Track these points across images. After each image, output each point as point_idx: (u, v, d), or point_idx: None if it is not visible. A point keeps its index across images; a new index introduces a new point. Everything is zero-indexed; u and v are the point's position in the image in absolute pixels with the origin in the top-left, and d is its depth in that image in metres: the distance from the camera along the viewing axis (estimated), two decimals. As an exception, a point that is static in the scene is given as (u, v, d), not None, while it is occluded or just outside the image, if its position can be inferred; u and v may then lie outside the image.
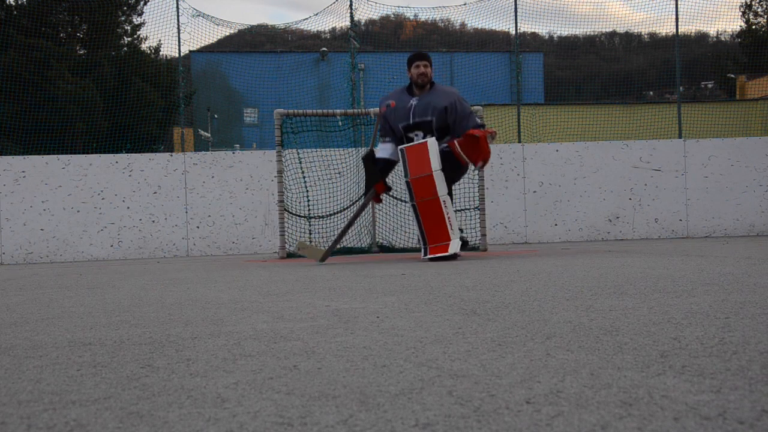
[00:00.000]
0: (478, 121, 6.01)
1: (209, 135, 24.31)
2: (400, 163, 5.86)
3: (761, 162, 10.48)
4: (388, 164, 6.16)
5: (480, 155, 5.77)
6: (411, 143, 5.86)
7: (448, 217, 5.59)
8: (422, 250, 5.69)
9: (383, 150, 6.19)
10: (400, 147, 5.90)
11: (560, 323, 1.88)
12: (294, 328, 1.99)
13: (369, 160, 6.11)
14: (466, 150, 5.74)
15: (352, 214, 6.34)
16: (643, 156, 10.39)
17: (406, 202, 8.17)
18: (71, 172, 9.86)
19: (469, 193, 8.06)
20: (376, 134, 7.88)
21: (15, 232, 9.73)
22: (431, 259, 5.55)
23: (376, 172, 6.03)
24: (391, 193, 8.20)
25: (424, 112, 5.91)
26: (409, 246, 8.00)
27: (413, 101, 5.95)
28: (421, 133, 5.91)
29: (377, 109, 7.39)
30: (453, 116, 5.89)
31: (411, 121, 5.93)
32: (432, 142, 5.72)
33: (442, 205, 5.57)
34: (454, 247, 5.53)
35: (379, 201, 6.54)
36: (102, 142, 12.78)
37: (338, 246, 6.58)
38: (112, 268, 6.84)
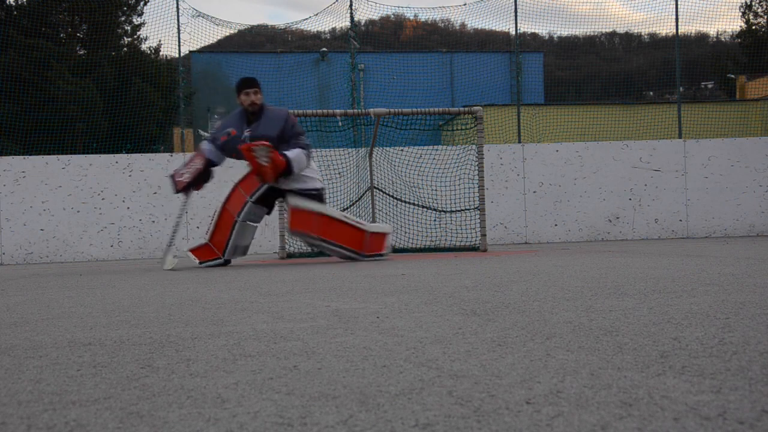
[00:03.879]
0: (301, 141, 5.97)
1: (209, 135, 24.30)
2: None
3: (761, 162, 10.48)
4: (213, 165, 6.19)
5: (262, 174, 5.85)
6: (296, 207, 5.88)
7: (348, 219, 6.01)
8: (356, 256, 5.95)
9: (212, 152, 6.12)
10: (289, 205, 5.95)
11: (560, 323, 1.88)
12: (294, 328, 1.99)
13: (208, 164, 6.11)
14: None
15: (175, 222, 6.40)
16: (643, 156, 10.39)
17: (406, 202, 8.16)
18: (71, 173, 9.86)
19: (469, 193, 8.07)
20: (376, 135, 7.88)
21: (15, 232, 9.73)
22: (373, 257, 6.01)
23: (207, 178, 6.19)
24: (389, 192, 8.20)
25: (260, 138, 5.87)
26: (409, 246, 8.00)
27: (246, 133, 5.90)
28: None
29: (377, 110, 7.39)
30: (284, 142, 5.88)
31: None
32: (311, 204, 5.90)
33: (338, 217, 5.96)
34: (382, 228, 6.26)
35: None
36: (102, 143, 12.79)
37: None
38: (112, 268, 6.84)
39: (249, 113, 5.96)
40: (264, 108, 5.99)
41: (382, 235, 6.16)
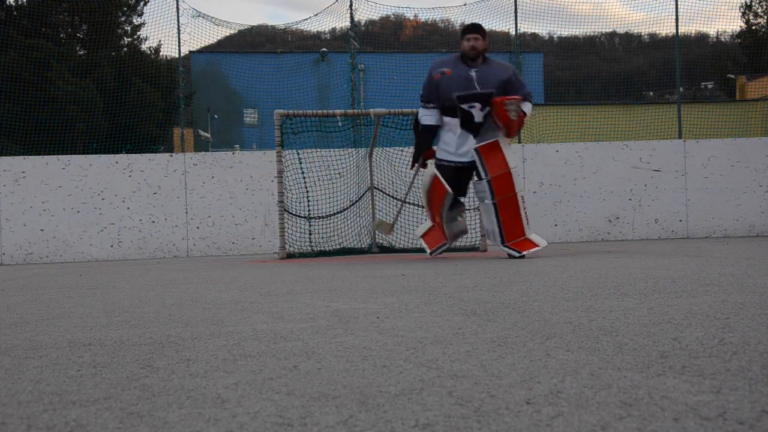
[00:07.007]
0: (527, 91, 5.92)
1: (209, 135, 24.32)
2: (477, 162, 5.75)
3: (761, 162, 10.47)
4: (435, 130, 6.00)
5: (509, 128, 5.78)
6: (483, 143, 5.74)
7: (525, 213, 5.77)
8: (501, 241, 5.72)
9: (429, 116, 5.96)
10: (474, 146, 5.75)
11: (560, 323, 1.88)
12: (294, 328, 1.99)
13: (418, 127, 5.98)
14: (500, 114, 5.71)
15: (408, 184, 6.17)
16: (643, 156, 10.39)
17: (407, 202, 8.16)
18: (71, 173, 9.86)
19: (469, 193, 8.05)
20: (376, 134, 7.88)
21: (15, 232, 9.73)
22: (522, 256, 5.60)
23: (429, 141, 5.98)
24: (389, 193, 8.19)
25: (487, 84, 5.73)
26: (409, 246, 7.99)
27: (472, 71, 5.75)
28: (477, 105, 5.73)
29: (377, 110, 7.38)
30: (510, 90, 5.77)
31: (474, 91, 5.72)
32: (502, 140, 5.75)
33: (520, 201, 5.72)
34: (538, 240, 5.71)
35: (425, 166, 6.26)
36: (102, 143, 12.79)
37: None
38: (112, 268, 6.84)
39: (469, 58, 5.80)
40: (487, 57, 5.89)
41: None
